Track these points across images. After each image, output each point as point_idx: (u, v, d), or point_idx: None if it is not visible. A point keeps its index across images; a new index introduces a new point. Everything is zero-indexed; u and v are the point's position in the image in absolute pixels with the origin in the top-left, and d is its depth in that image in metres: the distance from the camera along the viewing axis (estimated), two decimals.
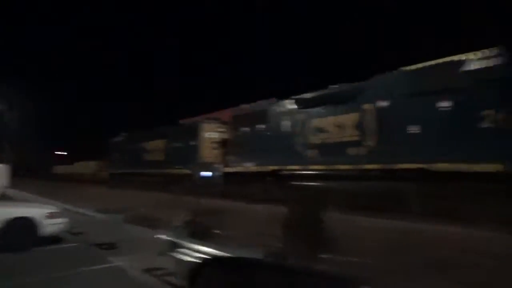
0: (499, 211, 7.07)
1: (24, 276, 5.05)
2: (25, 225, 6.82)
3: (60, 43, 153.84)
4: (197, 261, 3.22)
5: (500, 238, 6.00)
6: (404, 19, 75.75)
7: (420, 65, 9.97)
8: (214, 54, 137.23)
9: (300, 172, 12.25)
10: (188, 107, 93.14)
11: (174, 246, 4.98)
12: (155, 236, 5.57)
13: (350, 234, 5.89)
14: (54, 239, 7.38)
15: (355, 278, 1.80)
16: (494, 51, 8.17)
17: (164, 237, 5.32)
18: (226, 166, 15.58)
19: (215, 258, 3.60)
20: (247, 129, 15.03)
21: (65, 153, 61.73)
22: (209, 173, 16.03)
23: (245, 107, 17.32)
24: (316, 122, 12.12)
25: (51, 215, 7.26)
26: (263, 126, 14.24)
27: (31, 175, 41.27)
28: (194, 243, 4.84)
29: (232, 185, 14.84)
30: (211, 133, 17.42)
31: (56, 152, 62.15)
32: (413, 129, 9.34)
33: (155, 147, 21.20)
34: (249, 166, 14.36)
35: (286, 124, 13.30)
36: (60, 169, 50.74)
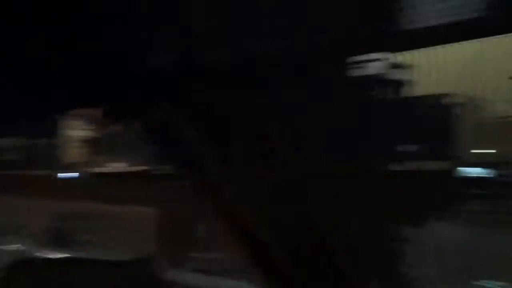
0: None
1: None
2: None
3: None
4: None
5: None
6: None
7: None
8: None
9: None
10: None
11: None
12: None
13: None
14: None
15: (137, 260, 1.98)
16: None
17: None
18: (94, 166, 14.91)
19: (22, 260, 3.16)
20: (117, 126, 14.50)
21: None
22: (74, 174, 15.08)
23: None
24: None
25: None
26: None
27: None
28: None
29: (101, 186, 14.28)
30: (76, 131, 16.30)
31: None
32: None
33: (8, 145, 18.40)
34: (119, 166, 14.14)
35: None
36: None
